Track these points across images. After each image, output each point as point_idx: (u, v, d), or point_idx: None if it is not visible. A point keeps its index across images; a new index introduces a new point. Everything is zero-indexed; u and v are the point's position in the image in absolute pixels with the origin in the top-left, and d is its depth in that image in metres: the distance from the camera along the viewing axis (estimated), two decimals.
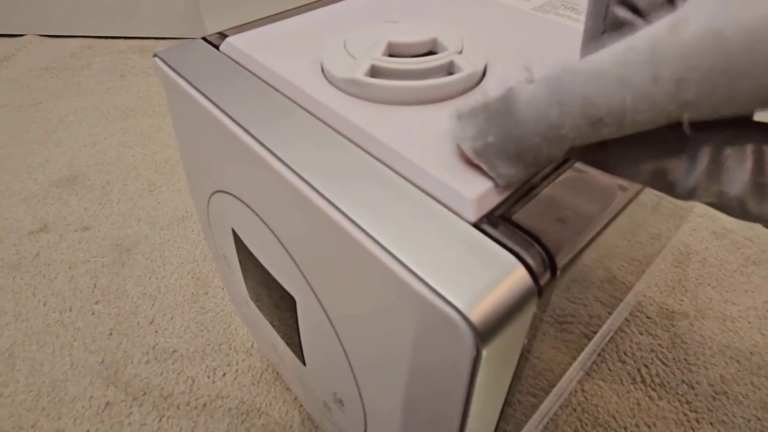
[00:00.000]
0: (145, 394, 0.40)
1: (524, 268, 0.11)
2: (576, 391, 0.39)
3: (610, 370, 0.41)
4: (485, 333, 0.10)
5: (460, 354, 0.11)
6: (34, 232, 0.54)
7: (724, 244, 0.51)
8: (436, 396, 0.13)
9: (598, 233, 0.13)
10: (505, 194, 0.13)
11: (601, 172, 0.12)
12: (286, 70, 0.18)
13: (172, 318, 0.45)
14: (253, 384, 0.40)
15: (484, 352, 0.10)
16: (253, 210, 0.18)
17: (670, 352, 0.42)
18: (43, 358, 0.42)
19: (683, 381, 0.40)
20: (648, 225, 0.31)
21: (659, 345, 0.42)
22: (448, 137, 0.14)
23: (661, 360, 0.41)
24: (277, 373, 0.41)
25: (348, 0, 0.24)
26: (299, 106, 0.17)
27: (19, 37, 0.97)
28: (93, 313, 0.46)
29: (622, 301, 0.31)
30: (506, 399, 0.15)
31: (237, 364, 0.41)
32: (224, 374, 0.41)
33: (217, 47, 0.21)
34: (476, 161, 0.13)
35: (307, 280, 0.17)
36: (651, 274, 0.41)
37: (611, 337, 0.43)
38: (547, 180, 0.14)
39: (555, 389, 0.28)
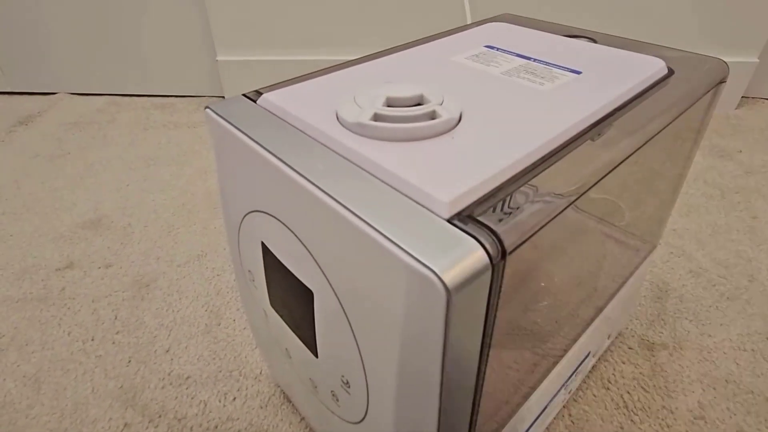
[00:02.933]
0: (160, 416, 0.42)
1: (482, 249, 0.16)
2: (563, 416, 0.42)
3: (594, 396, 0.43)
4: (454, 288, 0.15)
5: (436, 304, 0.16)
6: (61, 269, 0.58)
7: (700, 281, 0.55)
8: (422, 354, 0.18)
9: (539, 229, 0.19)
10: (472, 199, 0.19)
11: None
12: (310, 118, 0.24)
13: (186, 347, 0.49)
14: (262, 408, 0.43)
15: (454, 299, 0.15)
16: (282, 221, 0.24)
17: (651, 380, 0.45)
18: (66, 383, 0.45)
19: (663, 406, 0.42)
20: (611, 256, 0.35)
21: (641, 373, 0.45)
22: (430, 161, 0.20)
23: (642, 387, 0.44)
24: (285, 397, 0.44)
25: (356, 66, 0.31)
26: (320, 143, 0.23)
27: (51, 95, 1.06)
28: (113, 343, 0.49)
29: (591, 322, 0.35)
30: (481, 369, 0.20)
31: (247, 389, 0.44)
32: (234, 398, 0.44)
33: (254, 101, 0.27)
34: None
35: (324, 274, 0.22)
36: (624, 303, 0.44)
37: (595, 366, 0.46)
38: (507, 189, 0.19)
39: (535, 397, 0.31)
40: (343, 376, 0.25)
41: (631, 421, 0.41)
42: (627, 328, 0.49)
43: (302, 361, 0.30)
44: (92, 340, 0.50)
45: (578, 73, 0.29)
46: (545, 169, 0.21)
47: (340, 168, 0.21)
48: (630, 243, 0.38)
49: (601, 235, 0.31)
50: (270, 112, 0.26)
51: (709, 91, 0.31)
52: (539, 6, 0.87)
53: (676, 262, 0.58)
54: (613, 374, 0.45)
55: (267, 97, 0.26)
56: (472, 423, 0.23)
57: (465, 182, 0.19)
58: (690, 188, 0.71)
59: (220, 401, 0.44)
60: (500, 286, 0.18)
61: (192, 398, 0.44)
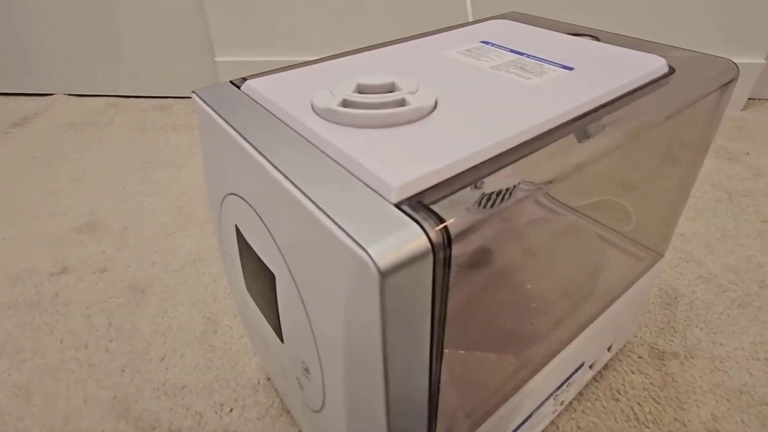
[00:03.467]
0: (154, 428, 0.41)
1: (424, 234, 0.16)
2: (571, 428, 0.40)
3: (604, 407, 0.42)
4: (387, 270, 0.15)
5: (371, 287, 0.15)
6: (55, 274, 0.57)
7: (710, 287, 0.53)
8: (364, 340, 0.17)
9: (490, 218, 0.18)
10: (425, 186, 0.18)
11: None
12: (285, 104, 0.24)
13: (182, 355, 0.47)
14: (259, 419, 0.41)
15: (388, 282, 0.15)
16: (250, 205, 0.24)
17: (662, 391, 0.43)
18: (58, 393, 0.44)
19: (675, 419, 0.41)
20: (607, 263, 0.34)
21: (651, 384, 0.44)
22: (391, 148, 0.20)
23: (653, 398, 0.43)
24: (283, 408, 0.42)
25: (345, 57, 0.30)
26: (291, 128, 0.23)
27: (47, 96, 1.05)
28: (107, 351, 0.48)
29: (582, 330, 0.34)
30: (433, 364, 0.19)
31: (244, 399, 0.43)
32: (231, 410, 0.42)
33: (239, 87, 0.27)
34: None
35: (282, 255, 0.22)
36: (625, 314, 0.43)
37: (603, 376, 0.44)
38: (466, 178, 0.19)
39: (514, 402, 0.30)
40: (303, 362, 0.24)
41: None
42: (636, 336, 0.48)
43: (275, 348, 0.30)
44: (85, 347, 0.48)
45: (570, 69, 0.28)
46: (512, 161, 0.20)
47: (303, 152, 0.21)
48: (631, 251, 0.37)
49: (598, 241, 0.30)
50: (250, 98, 0.26)
51: (714, 92, 0.30)
52: (552, 5, 0.86)
53: (685, 268, 0.56)
54: (622, 384, 0.44)
55: (250, 84, 0.26)
56: (430, 424, 0.22)
57: (419, 168, 0.19)
58: (697, 191, 0.70)
59: (216, 412, 0.42)
60: (447, 275, 0.17)
61: (187, 409, 0.42)
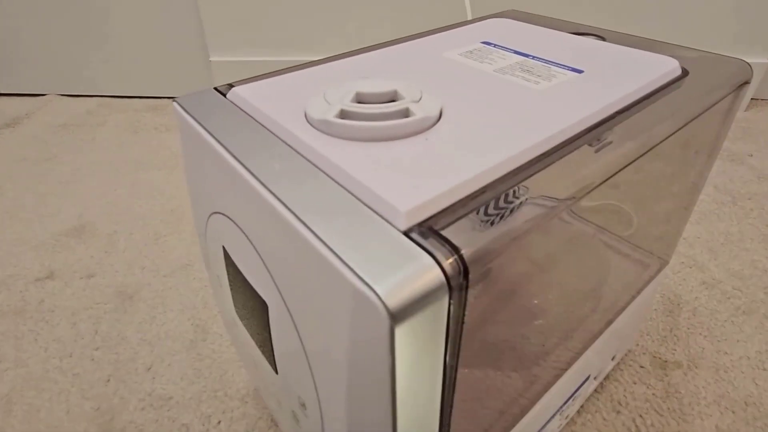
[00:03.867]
0: None
1: (439, 268, 0.14)
2: None
3: (605, 419, 0.41)
4: (398, 312, 0.13)
5: (379, 330, 0.13)
6: (41, 279, 0.56)
7: (714, 294, 0.52)
8: (370, 384, 0.15)
9: (511, 245, 0.16)
10: (436, 209, 0.16)
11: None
12: (276, 114, 0.22)
13: (169, 364, 0.46)
14: None
15: (399, 325, 0.13)
16: (239, 227, 0.21)
17: (664, 402, 0.42)
18: (40, 405, 0.42)
19: (679, 431, 0.40)
20: (614, 273, 0.32)
21: (653, 395, 0.42)
22: (396, 165, 0.18)
23: (656, 410, 0.41)
24: (272, 421, 0.41)
25: (339, 61, 0.28)
26: (283, 141, 0.21)
27: (40, 96, 1.03)
28: (92, 360, 0.46)
29: (590, 344, 0.32)
30: (445, 404, 0.17)
31: (232, 411, 0.42)
32: (219, 422, 0.41)
33: (224, 95, 0.25)
34: None
35: (276, 285, 0.19)
36: (630, 323, 0.41)
37: (605, 387, 0.43)
38: (474, 202, 0.17)
39: (522, 425, 0.28)
40: (299, 397, 0.22)
41: None
42: (638, 345, 0.47)
43: (267, 376, 0.28)
44: (70, 356, 0.47)
45: (580, 72, 0.26)
46: (527, 177, 0.18)
47: (298, 169, 0.19)
48: (638, 259, 0.35)
49: (605, 251, 0.28)
50: (237, 106, 0.24)
51: (728, 95, 0.28)
52: (550, 3, 0.84)
53: (688, 273, 0.55)
54: (624, 396, 0.42)
55: (236, 91, 0.24)
56: None
57: (429, 190, 0.16)
58: (700, 194, 0.68)
59: (203, 425, 0.41)
60: (464, 309, 0.15)
61: (173, 421, 0.41)
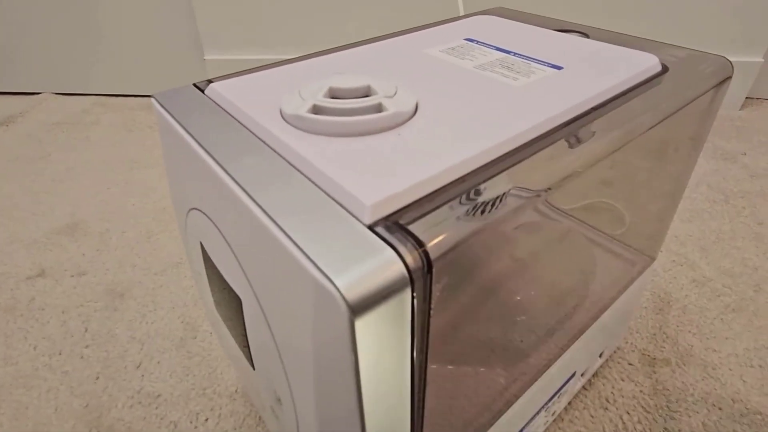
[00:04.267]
0: None
1: (401, 262, 0.14)
2: None
3: (592, 416, 0.41)
4: (358, 305, 0.13)
5: (340, 323, 0.13)
6: (32, 277, 0.56)
7: (704, 291, 0.52)
8: (336, 378, 0.15)
9: (472, 238, 0.16)
10: (402, 203, 0.16)
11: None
12: (252, 110, 0.22)
13: (159, 362, 0.46)
14: (236, 429, 0.40)
15: (357, 323, 0.13)
16: (213, 222, 0.21)
17: (652, 399, 0.42)
18: (28, 402, 0.42)
19: (665, 428, 0.40)
20: (599, 269, 0.33)
21: (641, 392, 0.42)
22: (365, 160, 0.18)
23: (643, 407, 0.41)
24: (259, 418, 0.41)
25: (320, 57, 0.29)
26: (257, 137, 0.21)
27: (35, 95, 1.03)
28: (82, 357, 0.46)
29: (575, 340, 0.32)
30: (416, 394, 0.17)
31: (220, 408, 0.42)
32: (207, 419, 0.41)
33: (203, 91, 0.25)
34: None
35: (248, 279, 0.20)
36: (617, 319, 0.41)
37: (593, 384, 0.43)
38: (442, 197, 0.17)
39: (505, 419, 0.28)
40: (275, 392, 0.22)
41: None
42: (627, 342, 0.47)
43: (247, 372, 0.28)
44: (59, 354, 0.47)
45: (559, 68, 0.26)
46: (499, 171, 0.19)
47: (268, 165, 0.19)
48: (623, 255, 0.36)
49: (588, 246, 0.28)
50: (215, 102, 0.24)
51: (708, 91, 0.28)
52: (540, 1, 0.84)
53: (679, 271, 0.55)
54: (611, 393, 0.42)
55: (214, 87, 0.24)
56: None
57: (396, 184, 0.16)
58: (693, 192, 0.68)
59: (191, 422, 0.41)
60: (429, 304, 0.15)
61: (161, 419, 0.41)
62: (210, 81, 0.26)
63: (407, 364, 0.16)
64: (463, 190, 0.17)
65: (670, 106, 0.25)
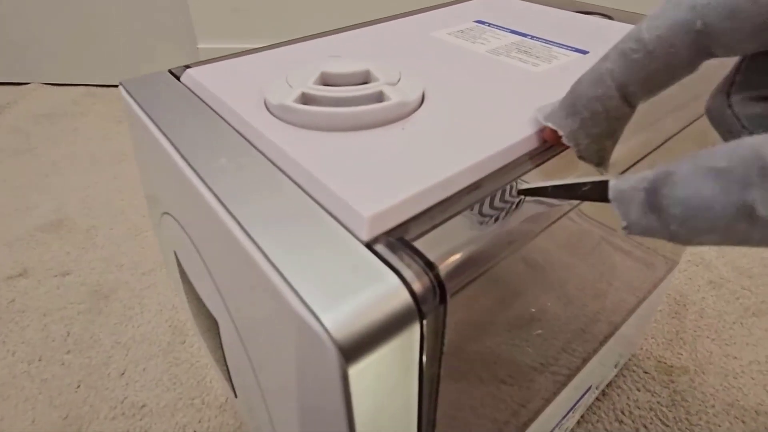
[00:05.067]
0: None
1: (406, 290, 0.11)
2: None
3: (606, 430, 0.38)
4: (350, 351, 0.10)
5: (329, 372, 0.11)
6: (13, 277, 0.53)
7: (722, 293, 0.49)
8: (325, 425, 0.13)
9: (496, 262, 0.13)
10: (407, 215, 0.13)
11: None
12: (231, 99, 0.19)
13: (144, 369, 0.43)
14: None
15: (351, 371, 0.10)
16: (186, 232, 0.18)
17: (670, 411, 0.39)
18: (4, 413, 0.40)
19: None
20: (621, 272, 0.30)
21: (658, 403, 0.40)
22: (363, 160, 0.15)
23: (660, 419, 0.39)
24: None
25: (313, 40, 0.26)
26: (236, 131, 0.17)
27: (23, 85, 0.99)
28: (62, 364, 0.44)
29: (593, 355, 0.29)
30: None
31: (209, 420, 0.39)
32: None
33: (179, 78, 0.22)
34: (545, 123, 0.16)
35: (224, 302, 0.17)
36: (636, 328, 0.39)
37: (607, 394, 0.40)
38: (452, 208, 0.14)
39: None
40: (260, 428, 0.19)
41: None
42: (642, 349, 0.44)
43: (231, 397, 0.24)
44: (39, 360, 0.44)
45: (585, 53, 0.23)
46: (520, 175, 0.15)
47: (247, 165, 0.16)
48: (645, 259, 0.33)
49: (611, 251, 0.25)
50: (190, 90, 0.21)
51: None
52: None
53: (694, 272, 0.52)
54: (627, 404, 0.40)
55: (191, 73, 0.21)
56: None
57: (400, 191, 0.13)
58: None
59: None
60: (442, 337, 0.12)
61: (146, 431, 0.38)
62: (187, 66, 0.23)
63: (414, 409, 0.13)
64: (480, 196, 0.14)
65: (706, 90, 0.22)
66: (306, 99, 0.17)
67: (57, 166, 0.73)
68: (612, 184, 0.11)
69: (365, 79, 0.18)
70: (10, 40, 0.96)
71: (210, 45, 0.91)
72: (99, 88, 0.99)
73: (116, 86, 0.99)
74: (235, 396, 0.22)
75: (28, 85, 1.00)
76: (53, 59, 0.98)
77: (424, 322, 0.11)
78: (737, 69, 0.13)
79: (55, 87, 1.00)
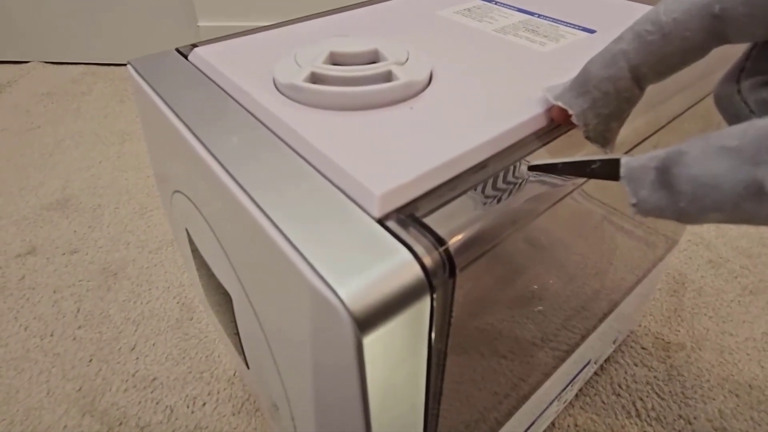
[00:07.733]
0: (121, 424, 0.38)
1: (418, 264, 0.11)
2: (569, 426, 0.38)
3: (604, 403, 0.39)
4: (365, 322, 0.11)
5: (345, 339, 0.11)
6: (22, 255, 0.54)
7: (721, 273, 0.50)
8: (339, 394, 0.13)
9: (504, 239, 0.14)
10: (417, 192, 0.14)
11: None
12: (240, 78, 0.19)
13: (154, 344, 0.44)
14: (234, 414, 0.39)
15: (365, 341, 0.11)
16: (198, 209, 0.19)
17: (666, 385, 0.40)
18: (19, 386, 0.41)
19: (680, 416, 0.38)
20: (622, 251, 0.30)
21: (655, 377, 0.41)
22: (373, 139, 0.15)
23: (657, 393, 0.40)
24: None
25: (319, 19, 0.26)
26: (246, 110, 0.18)
27: (23, 64, 0.99)
28: (74, 339, 0.45)
29: (592, 330, 0.30)
30: (430, 405, 0.15)
31: (218, 393, 0.40)
32: (204, 404, 0.39)
33: (186, 57, 0.22)
34: (555, 103, 0.16)
35: (237, 276, 0.17)
36: (634, 305, 0.40)
37: (605, 369, 0.41)
38: (463, 184, 0.14)
39: (519, 415, 0.27)
40: (272, 398, 0.20)
41: None
42: (640, 326, 0.45)
43: (241, 369, 0.25)
44: (51, 335, 0.45)
45: (592, 32, 0.23)
46: (528, 153, 0.16)
47: (258, 143, 0.16)
48: (647, 238, 0.33)
49: (612, 230, 0.26)
50: (199, 69, 0.21)
51: None
52: None
53: (694, 251, 0.53)
54: (624, 378, 0.41)
55: (198, 52, 0.21)
56: None
57: (411, 169, 0.14)
58: None
59: (188, 407, 0.39)
60: (450, 310, 0.13)
61: (157, 403, 0.40)
62: (195, 45, 0.23)
63: (422, 379, 0.14)
64: (488, 174, 0.15)
65: (716, 71, 0.22)
66: (315, 78, 0.17)
67: (61, 145, 0.73)
68: (623, 161, 0.12)
69: (374, 58, 0.18)
70: (10, 19, 0.95)
71: (210, 23, 0.90)
72: (99, 67, 0.99)
73: (116, 65, 0.99)
74: (248, 368, 0.22)
75: (28, 63, 0.99)
76: (52, 37, 0.97)
77: (435, 295, 0.12)
78: (747, 55, 0.13)
79: (55, 65, 0.99)
